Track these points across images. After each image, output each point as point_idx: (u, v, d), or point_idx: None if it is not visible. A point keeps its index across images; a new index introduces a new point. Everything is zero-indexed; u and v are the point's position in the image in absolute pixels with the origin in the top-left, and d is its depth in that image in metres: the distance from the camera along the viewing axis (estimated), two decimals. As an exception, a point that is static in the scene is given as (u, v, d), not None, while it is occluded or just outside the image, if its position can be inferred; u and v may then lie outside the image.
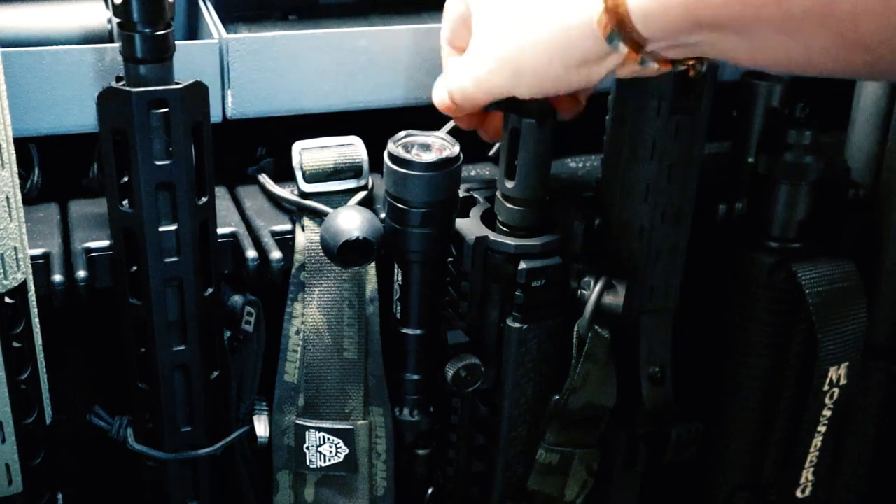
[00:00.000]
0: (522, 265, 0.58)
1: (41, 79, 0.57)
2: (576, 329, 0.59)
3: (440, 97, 0.58)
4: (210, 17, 0.63)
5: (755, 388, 0.68)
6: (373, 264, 0.61)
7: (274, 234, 0.61)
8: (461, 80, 0.55)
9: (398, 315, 0.62)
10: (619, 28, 0.44)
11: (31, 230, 0.57)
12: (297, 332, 0.62)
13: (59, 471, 0.60)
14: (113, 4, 0.50)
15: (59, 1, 0.62)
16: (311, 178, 0.61)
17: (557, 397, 0.61)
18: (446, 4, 0.58)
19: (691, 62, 0.48)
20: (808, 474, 0.70)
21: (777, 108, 0.66)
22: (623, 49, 0.45)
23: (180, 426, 0.59)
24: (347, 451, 0.64)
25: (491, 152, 0.68)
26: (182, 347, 0.57)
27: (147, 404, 0.59)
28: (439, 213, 0.58)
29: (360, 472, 0.65)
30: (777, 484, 0.71)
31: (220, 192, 0.64)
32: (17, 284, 0.52)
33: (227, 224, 0.61)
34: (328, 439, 0.64)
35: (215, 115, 0.60)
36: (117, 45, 0.53)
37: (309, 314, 0.62)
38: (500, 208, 0.59)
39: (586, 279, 0.59)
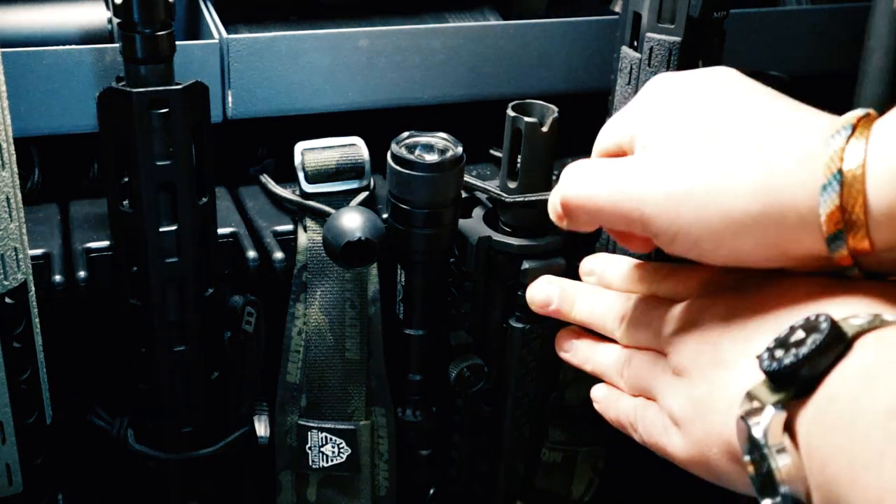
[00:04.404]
0: (525, 265, 0.58)
1: (41, 79, 0.57)
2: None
3: (553, 201, 0.48)
4: (210, 17, 0.63)
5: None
6: (375, 265, 0.61)
7: (276, 234, 0.61)
8: (617, 194, 0.43)
9: (401, 316, 0.62)
10: (851, 229, 0.37)
11: (31, 230, 0.56)
12: (300, 333, 0.62)
13: (59, 471, 0.60)
14: (113, 4, 0.49)
15: (59, 1, 0.62)
16: (313, 178, 0.61)
17: (555, 394, 0.62)
18: (605, 128, 0.48)
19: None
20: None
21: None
22: (842, 252, 0.38)
23: (180, 426, 0.59)
24: (350, 451, 0.64)
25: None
26: (182, 347, 0.57)
27: (147, 404, 0.59)
28: (442, 213, 0.58)
29: (362, 473, 0.65)
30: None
31: (221, 193, 0.64)
32: (17, 285, 0.52)
33: (228, 224, 0.61)
34: (331, 439, 0.64)
35: (216, 115, 0.60)
36: (117, 45, 0.53)
37: (311, 314, 0.62)
38: (503, 209, 0.59)
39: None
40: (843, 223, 0.37)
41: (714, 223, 0.40)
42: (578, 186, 0.45)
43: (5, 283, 0.52)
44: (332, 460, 0.65)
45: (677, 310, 0.47)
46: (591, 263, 0.55)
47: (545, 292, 0.54)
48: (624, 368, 0.50)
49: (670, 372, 0.46)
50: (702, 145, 0.41)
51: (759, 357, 0.39)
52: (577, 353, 0.54)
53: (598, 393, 0.53)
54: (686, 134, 0.42)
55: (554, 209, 0.48)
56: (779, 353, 0.38)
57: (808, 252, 0.39)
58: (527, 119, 0.55)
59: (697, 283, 0.48)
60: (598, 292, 0.53)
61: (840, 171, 0.36)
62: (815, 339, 0.37)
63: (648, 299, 0.50)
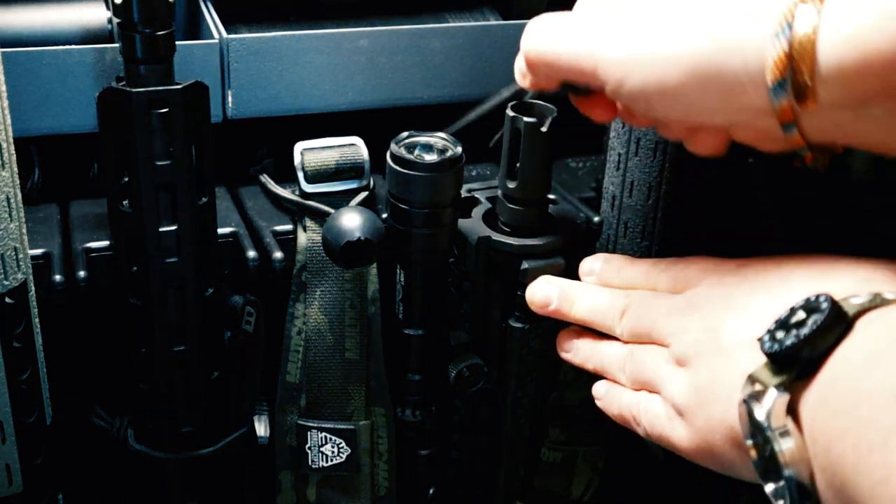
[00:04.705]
0: (524, 265, 0.58)
1: (41, 79, 0.57)
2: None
3: (518, 60, 0.50)
4: (210, 17, 0.63)
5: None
6: (374, 265, 0.61)
7: (276, 234, 0.61)
8: (575, 46, 0.46)
9: (400, 315, 0.61)
10: (795, 78, 0.37)
11: (31, 230, 0.57)
12: (299, 333, 0.62)
13: (59, 471, 0.60)
14: (113, 4, 0.49)
15: (59, 1, 0.62)
16: (313, 178, 0.61)
17: (555, 394, 0.62)
18: None
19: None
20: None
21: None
22: (783, 102, 0.38)
23: (180, 426, 0.59)
24: (349, 451, 0.64)
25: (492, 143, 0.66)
26: (182, 347, 0.57)
27: (147, 404, 0.59)
28: (441, 213, 0.58)
29: (362, 473, 0.65)
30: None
31: (221, 192, 0.64)
32: (17, 284, 0.52)
33: (228, 224, 0.61)
34: (330, 439, 0.64)
35: (216, 115, 0.60)
36: (117, 45, 0.53)
37: (311, 314, 0.62)
38: (502, 208, 0.59)
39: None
40: (790, 71, 0.37)
41: (661, 81, 0.42)
42: (539, 41, 0.47)
43: (5, 283, 0.52)
44: (331, 460, 0.65)
45: (677, 300, 0.48)
46: (591, 263, 0.56)
47: (544, 292, 0.55)
48: (626, 363, 0.51)
49: (672, 362, 0.47)
50: (654, 3, 0.43)
51: (759, 340, 0.39)
52: (579, 352, 0.55)
53: (599, 389, 0.53)
54: None
55: (518, 67, 0.50)
56: (780, 334, 0.38)
57: (752, 104, 0.39)
58: (526, 119, 0.55)
59: (696, 273, 0.49)
60: (597, 291, 0.54)
61: (790, 24, 0.37)
62: (815, 319, 0.37)
63: (648, 294, 0.51)
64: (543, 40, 0.47)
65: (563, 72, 0.47)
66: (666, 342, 0.47)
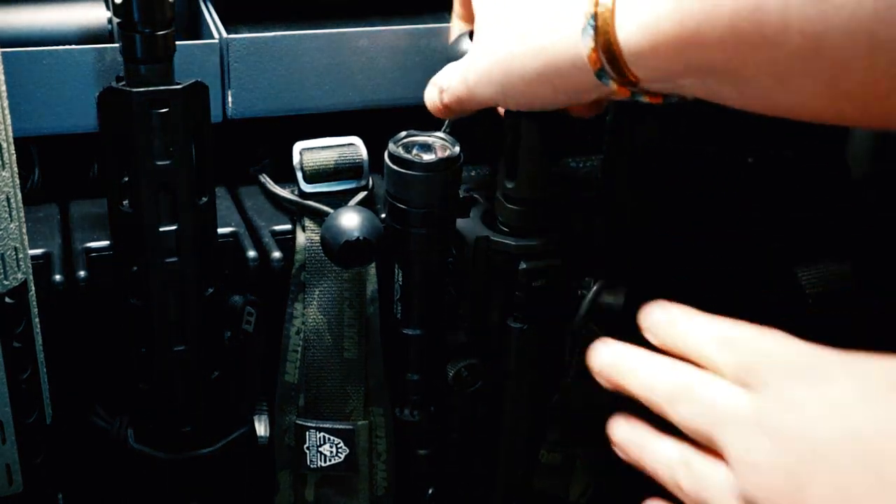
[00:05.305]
0: (523, 265, 0.58)
1: (41, 79, 0.57)
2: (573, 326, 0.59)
3: (430, 97, 0.57)
4: (210, 17, 0.63)
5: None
6: (373, 265, 0.61)
7: (274, 233, 0.61)
8: (452, 82, 0.54)
9: (399, 315, 0.62)
10: (611, 66, 0.42)
11: (31, 230, 0.57)
12: (298, 333, 0.62)
13: (59, 471, 0.60)
14: (113, 4, 0.49)
15: (59, 1, 0.62)
16: (312, 178, 0.61)
17: (557, 396, 0.62)
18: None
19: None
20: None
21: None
22: (612, 86, 0.44)
23: (180, 426, 0.59)
24: (348, 451, 0.64)
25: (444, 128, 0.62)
26: (182, 347, 0.57)
27: (147, 404, 0.59)
28: (440, 213, 0.58)
29: (360, 472, 0.65)
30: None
31: (221, 192, 0.64)
32: (17, 284, 0.52)
33: (228, 224, 0.61)
34: (329, 439, 0.64)
35: (215, 115, 0.60)
36: (117, 45, 0.53)
37: (309, 314, 0.62)
38: (501, 208, 0.59)
39: (586, 279, 0.59)
40: (603, 62, 0.42)
41: (523, 84, 0.49)
42: (443, 82, 0.56)
43: (5, 282, 0.52)
44: (330, 460, 0.65)
45: (741, 404, 0.40)
46: (652, 317, 0.48)
47: (599, 359, 0.49)
48: (680, 475, 0.44)
49: (740, 499, 0.40)
50: (497, 27, 0.50)
51: None
52: (629, 450, 0.49)
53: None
54: (491, 21, 0.51)
55: (432, 103, 0.57)
56: None
57: (590, 88, 0.45)
58: (526, 119, 0.55)
59: (765, 360, 0.41)
60: (656, 363, 0.46)
61: (594, 16, 0.42)
62: None
63: (709, 379, 0.43)
64: (445, 88, 0.56)
65: (467, 106, 0.55)
66: (730, 462, 0.40)
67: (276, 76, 0.62)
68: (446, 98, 0.56)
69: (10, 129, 0.50)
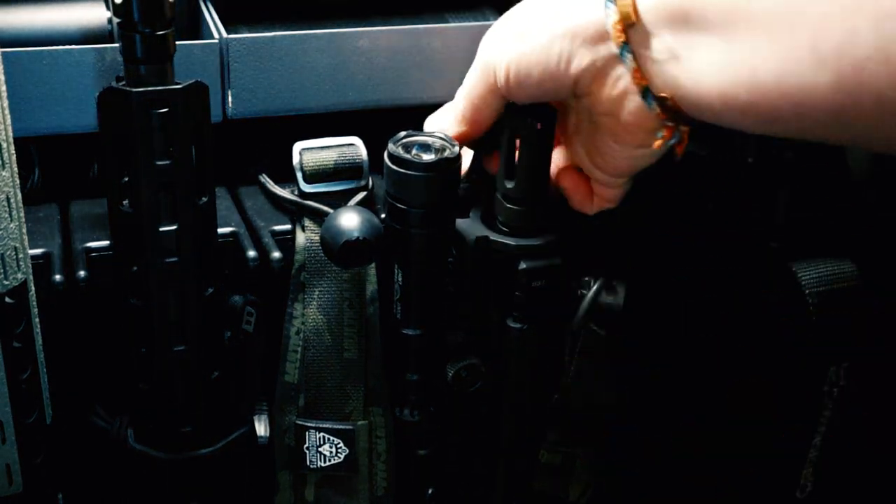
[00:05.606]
0: (522, 265, 0.58)
1: (41, 79, 0.57)
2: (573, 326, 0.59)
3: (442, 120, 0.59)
4: (210, 17, 0.63)
5: (755, 386, 0.68)
6: (373, 265, 0.61)
7: (274, 233, 0.61)
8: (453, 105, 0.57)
9: (399, 315, 0.62)
10: (629, 38, 0.46)
11: (31, 230, 0.57)
12: (298, 333, 0.62)
13: (59, 471, 0.60)
14: (113, 4, 0.49)
15: (59, 1, 0.62)
16: (312, 178, 0.61)
17: (557, 396, 0.62)
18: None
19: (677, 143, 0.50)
20: (807, 474, 0.70)
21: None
22: (614, 17, 0.46)
23: (180, 426, 0.59)
24: (348, 451, 0.64)
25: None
26: (182, 347, 0.57)
27: (147, 404, 0.59)
28: (439, 213, 0.58)
29: (360, 473, 0.65)
30: (777, 484, 0.71)
31: (221, 192, 0.65)
32: (17, 284, 0.52)
33: (228, 224, 0.61)
34: (328, 439, 0.64)
35: (215, 115, 0.60)
36: (117, 45, 0.53)
37: (309, 314, 0.62)
38: (500, 208, 0.59)
39: (586, 279, 0.59)
40: (626, 34, 0.46)
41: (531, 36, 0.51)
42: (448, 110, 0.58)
43: (5, 282, 0.52)
44: (329, 460, 0.65)
45: None
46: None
47: None
48: None
49: None
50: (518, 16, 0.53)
51: None
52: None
53: None
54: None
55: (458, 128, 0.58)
56: None
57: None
58: (525, 119, 0.55)
59: None
60: None
61: None
62: None
63: None
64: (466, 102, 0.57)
65: (486, 111, 0.56)
66: None
67: (276, 76, 0.62)
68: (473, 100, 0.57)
69: (10, 129, 0.50)
